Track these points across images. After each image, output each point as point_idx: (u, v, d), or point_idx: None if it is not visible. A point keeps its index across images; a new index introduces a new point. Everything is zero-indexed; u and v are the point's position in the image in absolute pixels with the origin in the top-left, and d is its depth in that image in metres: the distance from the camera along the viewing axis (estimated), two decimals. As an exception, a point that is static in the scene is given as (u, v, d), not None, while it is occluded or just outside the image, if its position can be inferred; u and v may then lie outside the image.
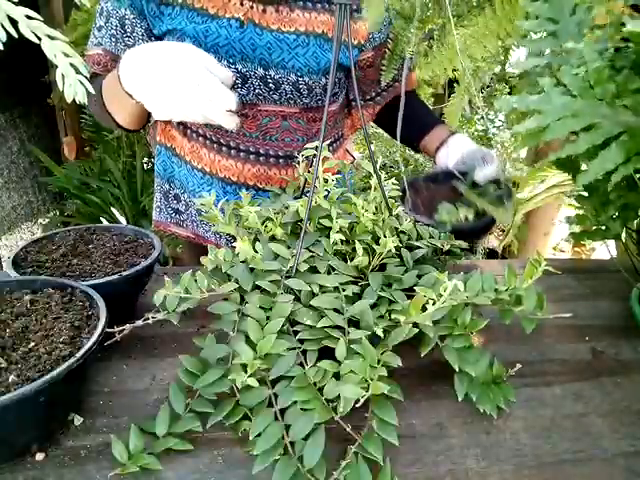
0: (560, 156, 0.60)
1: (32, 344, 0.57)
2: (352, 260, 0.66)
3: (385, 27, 0.97)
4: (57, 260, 0.76)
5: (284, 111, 0.94)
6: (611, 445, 0.60)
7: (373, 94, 1.07)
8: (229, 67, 0.87)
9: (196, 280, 0.63)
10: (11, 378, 0.51)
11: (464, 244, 0.80)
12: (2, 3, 0.41)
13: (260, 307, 0.60)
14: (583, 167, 0.73)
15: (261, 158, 0.98)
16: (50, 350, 0.56)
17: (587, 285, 0.85)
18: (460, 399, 0.61)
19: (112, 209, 2.29)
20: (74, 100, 0.47)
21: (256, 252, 0.64)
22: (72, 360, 0.52)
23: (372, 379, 0.52)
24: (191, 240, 1.12)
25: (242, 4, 0.86)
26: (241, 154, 0.97)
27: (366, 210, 0.68)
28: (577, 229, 0.90)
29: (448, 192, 0.95)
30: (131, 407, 0.62)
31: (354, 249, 0.65)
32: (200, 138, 0.99)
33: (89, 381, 0.66)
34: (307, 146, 0.75)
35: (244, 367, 0.56)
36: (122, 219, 2.28)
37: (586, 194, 0.78)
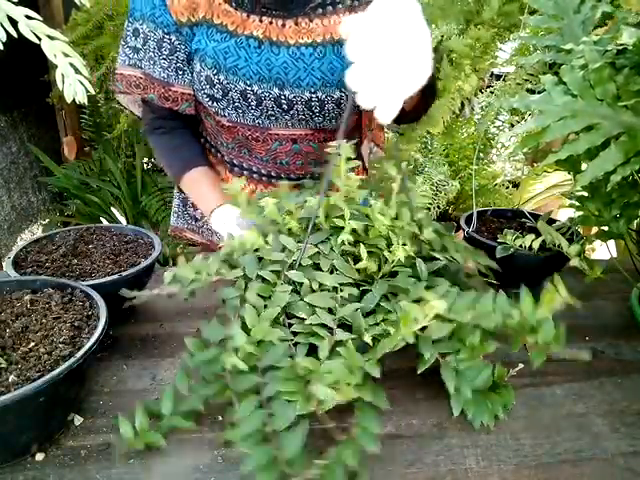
0: (560, 157, 0.60)
1: (32, 344, 0.57)
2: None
3: None
4: (57, 260, 0.76)
5: (295, 134, 0.92)
6: (611, 445, 0.60)
7: None
8: (245, 89, 0.85)
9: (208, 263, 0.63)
10: (11, 378, 0.51)
11: (494, 264, 0.74)
12: (2, 3, 0.41)
13: (259, 295, 0.60)
14: (584, 167, 0.73)
15: (273, 180, 0.97)
16: (50, 350, 0.56)
17: (587, 285, 0.84)
18: (456, 414, 0.60)
19: (112, 209, 2.29)
20: (74, 100, 0.47)
21: (267, 243, 0.64)
22: (72, 360, 0.52)
23: (349, 384, 0.51)
24: (207, 247, 1.13)
25: (261, 21, 0.85)
26: (254, 175, 0.97)
27: (383, 214, 0.66)
28: (581, 230, 0.90)
29: (516, 226, 0.96)
30: (131, 407, 0.62)
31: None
32: (218, 154, 0.99)
33: (89, 381, 0.66)
34: (330, 143, 0.73)
35: (237, 351, 0.56)
36: (122, 219, 2.27)
37: (588, 195, 0.77)
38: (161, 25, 0.84)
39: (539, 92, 0.62)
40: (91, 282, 0.68)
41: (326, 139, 0.96)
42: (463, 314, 0.56)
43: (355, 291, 0.62)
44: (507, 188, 2.30)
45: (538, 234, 0.85)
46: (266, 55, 0.85)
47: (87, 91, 0.46)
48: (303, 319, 0.59)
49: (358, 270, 0.65)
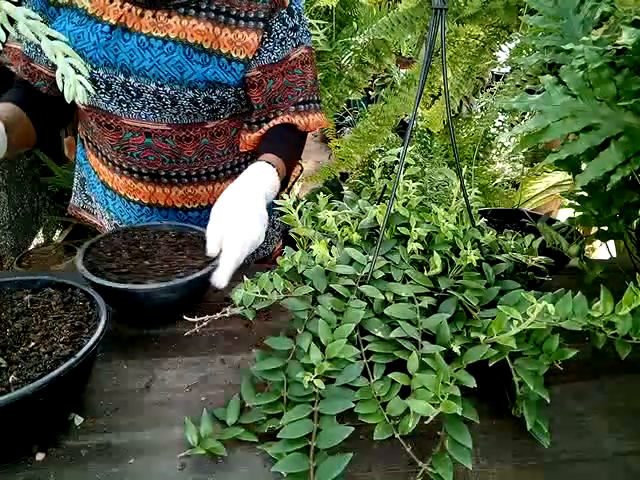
0: (560, 157, 0.60)
1: (32, 344, 0.57)
2: (428, 270, 0.64)
3: (280, 47, 0.91)
4: (127, 260, 0.76)
5: (149, 128, 0.91)
6: (611, 445, 0.60)
7: (263, 118, 0.97)
8: (92, 72, 0.87)
9: (272, 280, 0.62)
10: (11, 378, 0.51)
11: (550, 260, 0.76)
12: (2, 3, 0.41)
13: (332, 310, 0.59)
14: (583, 167, 0.73)
15: (124, 172, 0.98)
16: (50, 350, 0.56)
17: (587, 285, 0.84)
18: (529, 427, 0.58)
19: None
20: (74, 100, 0.47)
21: (332, 256, 0.63)
22: (72, 360, 0.52)
23: (443, 397, 0.50)
24: (98, 229, 1.15)
25: (122, 7, 0.85)
26: (109, 164, 0.99)
27: (446, 220, 0.66)
28: (581, 230, 0.90)
29: (516, 226, 0.96)
30: (131, 407, 0.62)
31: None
32: (88, 137, 1.02)
33: (89, 381, 0.66)
34: (389, 152, 0.73)
35: (310, 367, 0.55)
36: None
37: (587, 195, 0.77)
38: (32, 2, 0.88)
39: (539, 92, 0.62)
40: (170, 283, 0.69)
41: (188, 137, 0.94)
42: (544, 316, 0.53)
43: (432, 300, 0.61)
44: (507, 188, 2.30)
45: (538, 234, 0.85)
46: (115, 41, 0.86)
47: (87, 91, 0.46)
48: (379, 337, 0.57)
49: (430, 278, 0.64)
